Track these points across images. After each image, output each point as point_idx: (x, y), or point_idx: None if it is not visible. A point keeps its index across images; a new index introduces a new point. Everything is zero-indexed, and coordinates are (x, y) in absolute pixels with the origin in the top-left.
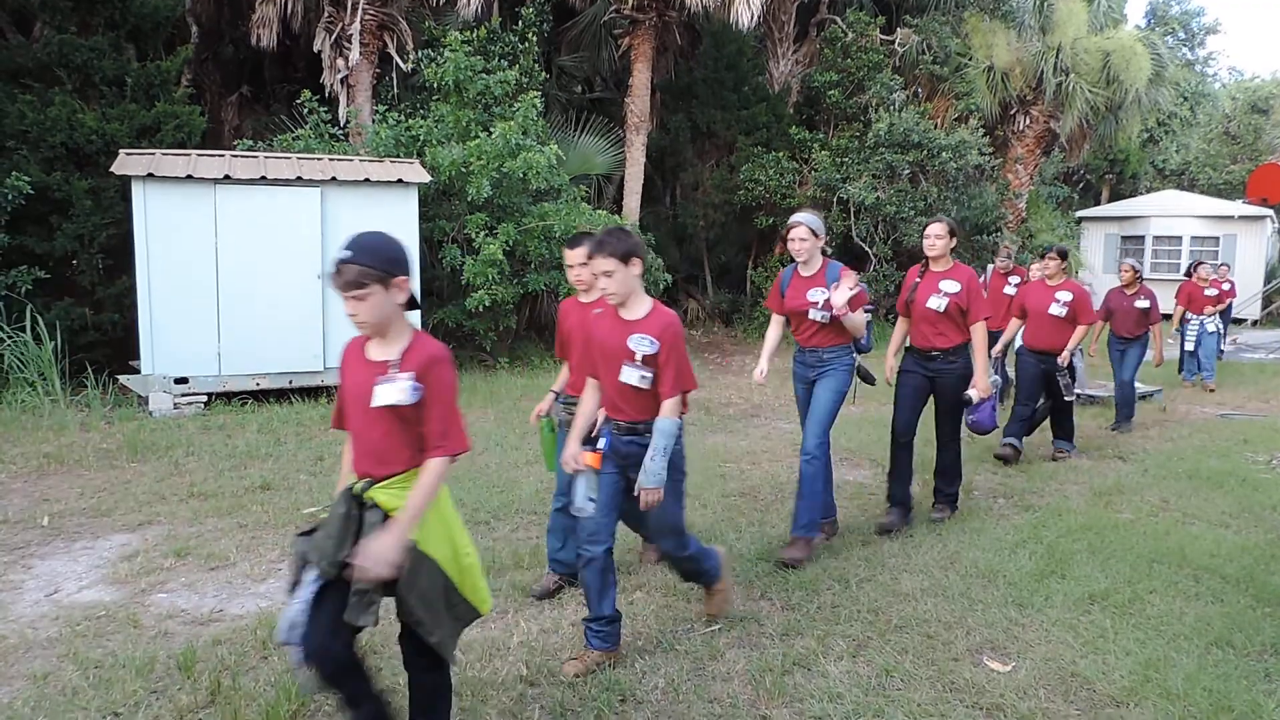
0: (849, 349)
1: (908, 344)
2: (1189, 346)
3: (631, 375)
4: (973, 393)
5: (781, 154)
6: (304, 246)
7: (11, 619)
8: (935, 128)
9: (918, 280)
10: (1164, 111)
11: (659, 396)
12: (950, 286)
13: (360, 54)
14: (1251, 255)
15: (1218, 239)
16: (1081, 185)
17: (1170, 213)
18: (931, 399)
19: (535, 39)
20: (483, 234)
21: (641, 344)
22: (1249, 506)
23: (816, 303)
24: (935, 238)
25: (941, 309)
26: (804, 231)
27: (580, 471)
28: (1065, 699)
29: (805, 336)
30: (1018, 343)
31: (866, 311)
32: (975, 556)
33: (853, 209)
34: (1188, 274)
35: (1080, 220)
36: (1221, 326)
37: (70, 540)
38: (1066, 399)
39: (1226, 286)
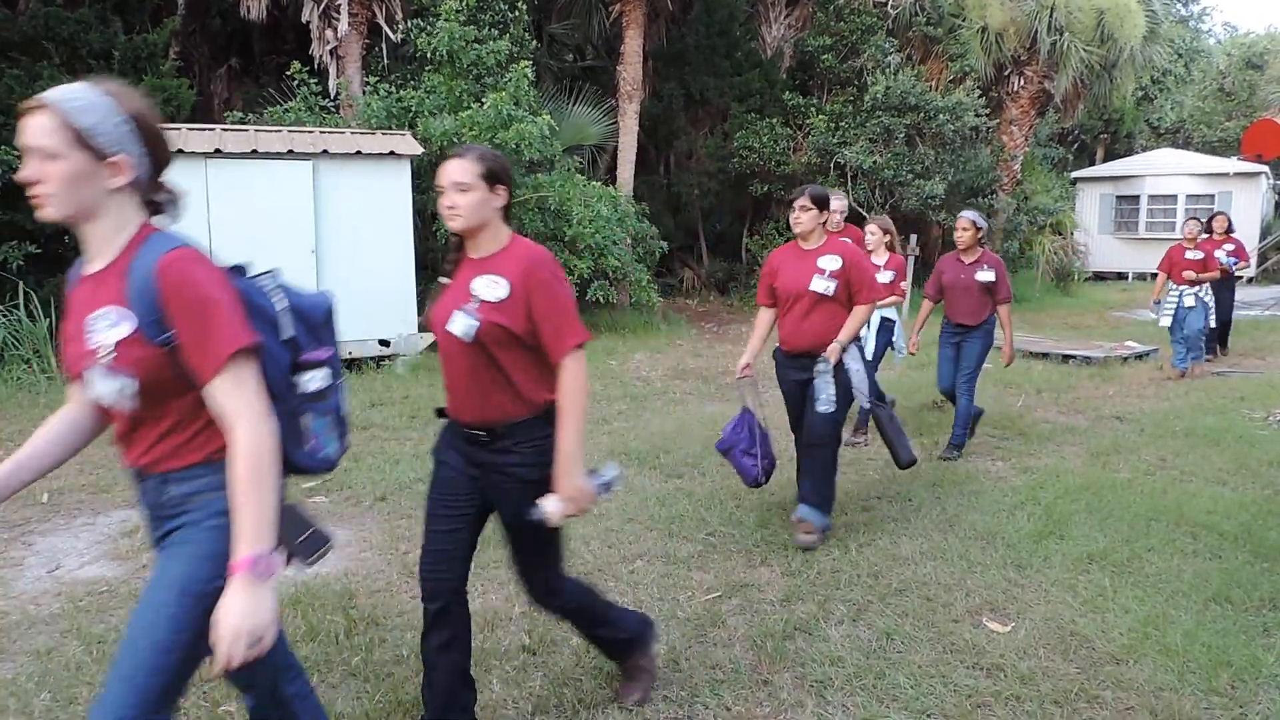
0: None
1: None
2: (1164, 323)
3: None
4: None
5: (775, 120)
6: (297, 220)
7: (14, 595)
8: (930, 90)
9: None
10: (1158, 69)
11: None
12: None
13: (349, 24)
14: (1247, 212)
15: (1213, 196)
16: (1076, 146)
17: (1165, 171)
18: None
19: (525, 7)
20: None
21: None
22: (1246, 463)
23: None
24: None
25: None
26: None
27: None
28: (1065, 658)
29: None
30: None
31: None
32: (974, 519)
33: (849, 173)
34: (1208, 229)
35: (1075, 181)
36: (1209, 300)
37: (70, 517)
38: (820, 406)
39: (1229, 249)
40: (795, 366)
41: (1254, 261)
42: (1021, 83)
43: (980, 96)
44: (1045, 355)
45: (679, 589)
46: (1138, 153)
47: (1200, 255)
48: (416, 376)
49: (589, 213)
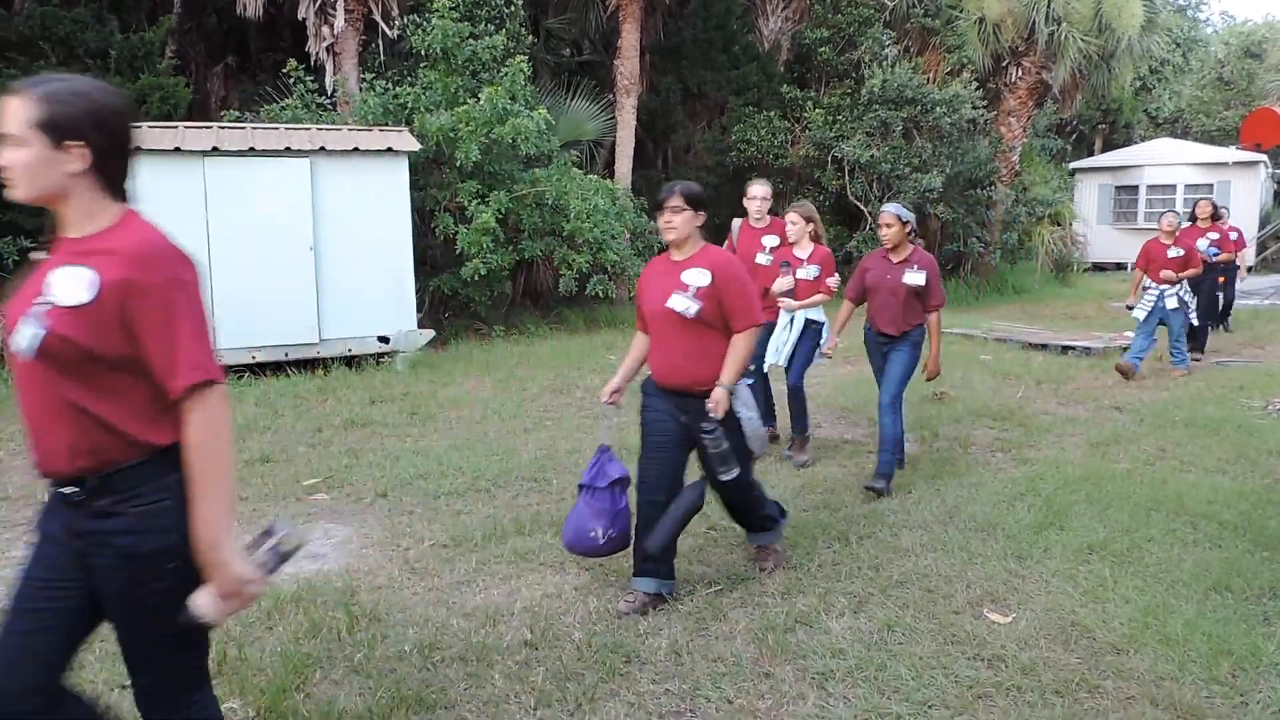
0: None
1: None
2: (1140, 314)
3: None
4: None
5: (773, 113)
6: (295, 217)
7: None
8: (928, 82)
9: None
10: (1156, 59)
11: None
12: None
13: (345, 21)
14: (1246, 201)
15: (1212, 186)
16: (1075, 137)
17: (1164, 161)
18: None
19: (521, 1)
20: (475, 202)
21: None
22: (1245, 452)
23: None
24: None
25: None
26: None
27: None
28: (1066, 648)
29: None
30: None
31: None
32: (974, 510)
33: (847, 167)
34: (1191, 218)
35: (1074, 172)
36: (1190, 299)
37: None
38: (722, 475)
39: (1213, 237)
40: (667, 405)
41: (1252, 250)
42: (1019, 74)
43: (978, 88)
44: (1044, 346)
45: (680, 582)
46: (1136, 143)
47: (1181, 252)
48: (416, 373)
49: (586, 206)
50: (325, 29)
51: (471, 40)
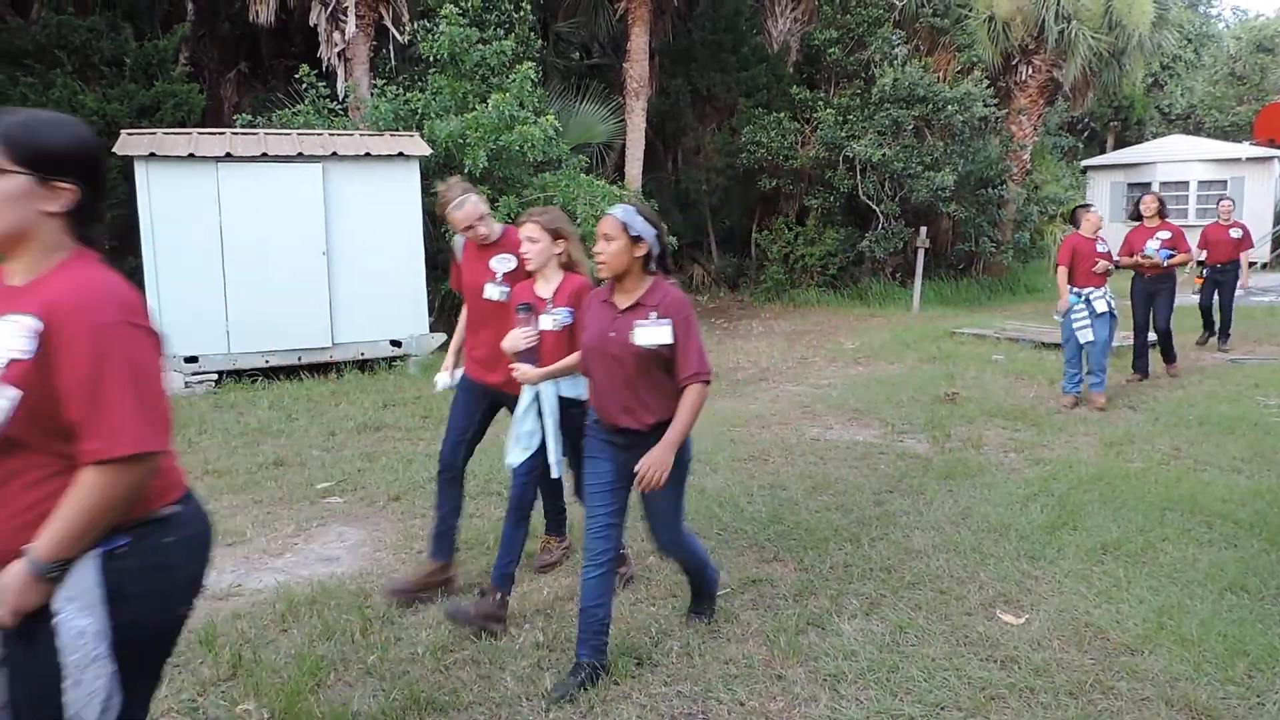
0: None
1: None
2: (1086, 337)
3: None
4: None
5: (783, 115)
6: (308, 222)
7: None
8: (938, 81)
9: None
10: (1168, 55)
11: None
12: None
13: (356, 26)
14: (1260, 197)
15: (1225, 182)
16: (1086, 134)
17: (1176, 158)
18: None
19: (530, 6)
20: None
21: None
22: (1261, 451)
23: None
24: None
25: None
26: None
27: None
28: (1079, 649)
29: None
30: None
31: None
32: (986, 511)
33: (858, 167)
34: (1135, 216)
35: (1086, 169)
36: (1113, 307)
37: None
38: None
39: (1164, 237)
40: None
41: (1268, 248)
42: (1030, 72)
43: (988, 86)
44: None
45: None
46: (1148, 140)
47: (1107, 247)
48: (428, 377)
49: (594, 211)
50: (336, 35)
51: (480, 45)
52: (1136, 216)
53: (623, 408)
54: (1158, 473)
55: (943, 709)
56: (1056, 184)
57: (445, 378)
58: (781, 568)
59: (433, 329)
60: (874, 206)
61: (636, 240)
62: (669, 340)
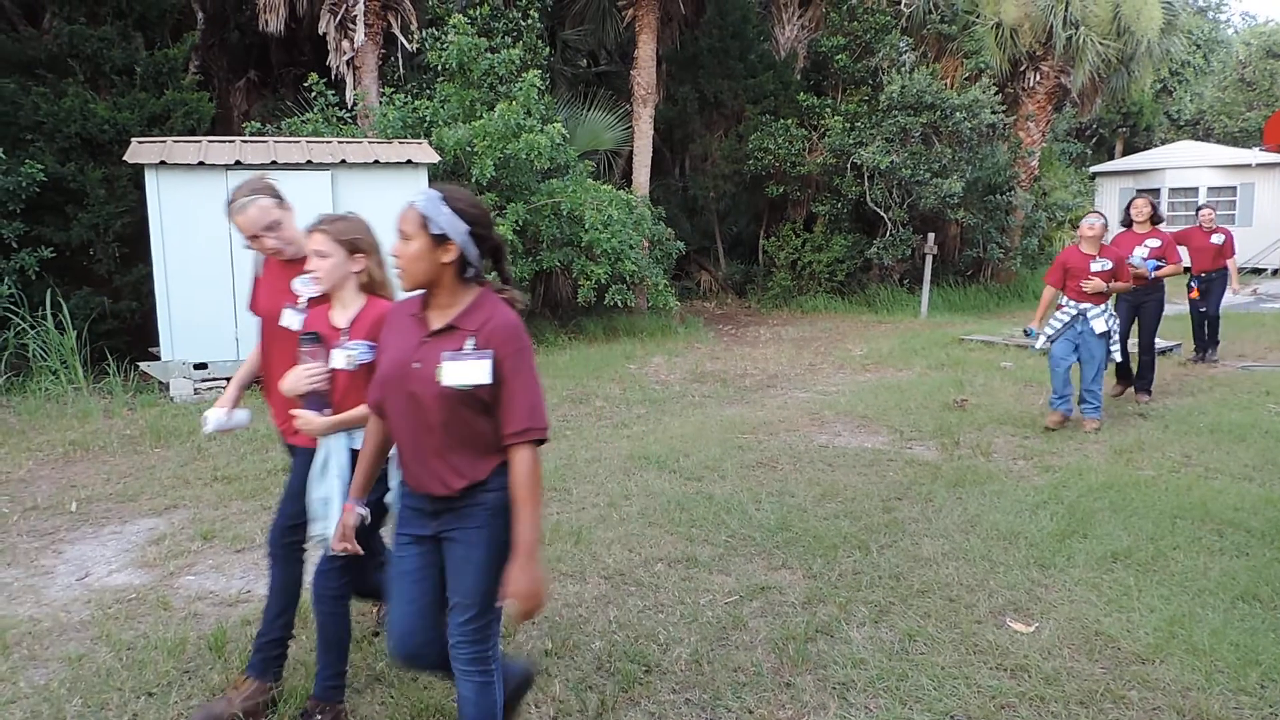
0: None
1: None
2: (1041, 343)
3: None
4: None
5: (790, 121)
6: None
7: (45, 603)
8: (946, 88)
9: None
10: (1177, 61)
11: None
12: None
13: (365, 35)
14: (1270, 203)
15: (1234, 188)
16: (1095, 140)
17: (1185, 164)
18: None
19: (538, 14)
20: (492, 214)
21: None
22: (1272, 459)
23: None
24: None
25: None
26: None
27: None
28: (1089, 658)
29: None
30: None
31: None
32: (996, 519)
33: (866, 173)
34: (1126, 222)
35: (1094, 176)
36: (1114, 325)
37: (98, 525)
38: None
39: (1153, 245)
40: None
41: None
42: (1038, 78)
43: (996, 93)
44: None
45: (700, 592)
46: (1157, 146)
47: (1109, 265)
48: None
49: (601, 217)
50: (345, 43)
51: (489, 54)
52: (1127, 222)
53: (422, 465)
54: (1168, 480)
55: (952, 718)
56: (1065, 190)
57: (219, 415)
58: (790, 575)
59: None
60: (882, 213)
61: (441, 241)
62: (486, 380)
